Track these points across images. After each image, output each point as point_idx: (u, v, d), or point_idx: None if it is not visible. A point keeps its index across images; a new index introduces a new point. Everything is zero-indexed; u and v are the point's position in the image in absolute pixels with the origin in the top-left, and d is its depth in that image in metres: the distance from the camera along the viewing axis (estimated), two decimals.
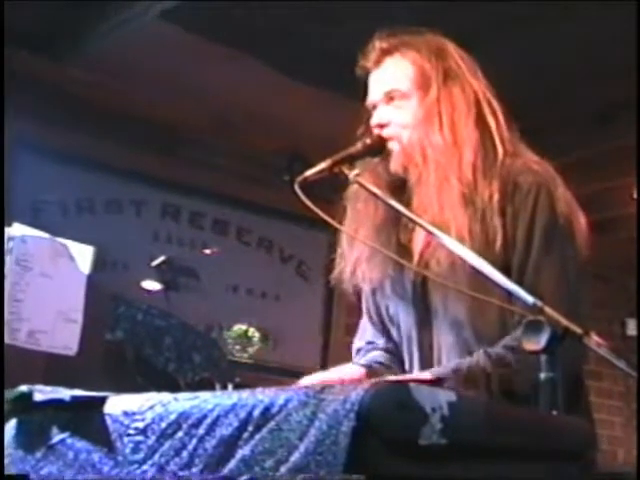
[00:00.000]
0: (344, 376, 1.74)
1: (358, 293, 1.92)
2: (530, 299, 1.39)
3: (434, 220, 1.64)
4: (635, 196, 5.14)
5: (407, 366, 1.83)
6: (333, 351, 5.21)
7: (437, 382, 1.49)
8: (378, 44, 1.83)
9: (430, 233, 1.60)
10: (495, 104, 1.80)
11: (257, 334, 4.79)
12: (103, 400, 1.42)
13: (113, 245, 4.38)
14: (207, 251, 4.93)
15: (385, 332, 1.90)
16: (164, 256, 3.74)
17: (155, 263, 3.69)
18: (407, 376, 1.65)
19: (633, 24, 3.58)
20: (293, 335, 5.14)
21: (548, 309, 1.35)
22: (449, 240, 1.58)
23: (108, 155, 4.61)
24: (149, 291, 3.82)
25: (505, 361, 1.60)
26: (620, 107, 4.41)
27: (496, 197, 1.70)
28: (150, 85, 4.44)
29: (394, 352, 1.87)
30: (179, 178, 4.90)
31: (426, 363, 1.77)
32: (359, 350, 1.93)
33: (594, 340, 1.30)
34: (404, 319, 1.83)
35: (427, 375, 1.56)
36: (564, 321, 1.33)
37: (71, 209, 4.68)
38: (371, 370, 1.80)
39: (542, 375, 1.32)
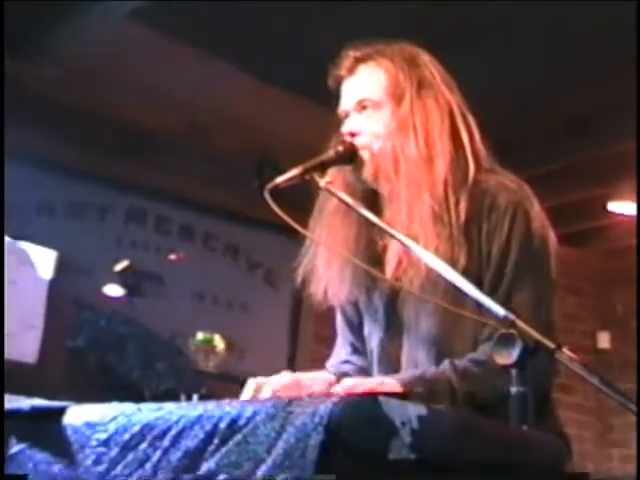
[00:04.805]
0: (315, 377, 1.70)
1: (331, 309, 1.90)
2: (502, 312, 1.38)
3: (403, 234, 1.62)
4: None
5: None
6: (300, 361, 5.19)
7: (406, 395, 1.48)
8: (352, 52, 1.81)
9: (405, 245, 1.58)
10: (470, 118, 1.79)
11: (222, 343, 4.74)
12: (63, 410, 1.39)
13: (75, 250, 4.28)
14: (172, 257, 4.89)
15: (360, 351, 1.88)
16: (127, 261, 3.68)
17: (118, 268, 3.63)
18: (373, 380, 1.62)
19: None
20: (260, 344, 5.10)
21: (520, 322, 1.34)
22: (424, 253, 1.56)
23: (71, 157, 4.52)
24: (112, 297, 3.77)
25: (471, 374, 1.58)
26: (591, 118, 4.43)
27: (463, 215, 1.69)
28: (117, 86, 4.38)
29: (367, 370, 1.85)
30: (145, 182, 4.83)
31: None
32: (332, 366, 1.90)
33: (566, 354, 1.29)
34: (375, 334, 1.81)
35: (392, 382, 1.54)
36: (536, 335, 1.31)
37: (31, 212, 4.59)
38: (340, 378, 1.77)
39: (513, 389, 1.31)
